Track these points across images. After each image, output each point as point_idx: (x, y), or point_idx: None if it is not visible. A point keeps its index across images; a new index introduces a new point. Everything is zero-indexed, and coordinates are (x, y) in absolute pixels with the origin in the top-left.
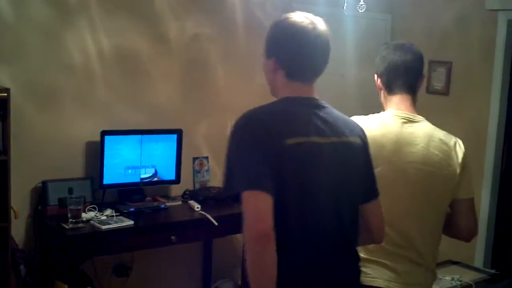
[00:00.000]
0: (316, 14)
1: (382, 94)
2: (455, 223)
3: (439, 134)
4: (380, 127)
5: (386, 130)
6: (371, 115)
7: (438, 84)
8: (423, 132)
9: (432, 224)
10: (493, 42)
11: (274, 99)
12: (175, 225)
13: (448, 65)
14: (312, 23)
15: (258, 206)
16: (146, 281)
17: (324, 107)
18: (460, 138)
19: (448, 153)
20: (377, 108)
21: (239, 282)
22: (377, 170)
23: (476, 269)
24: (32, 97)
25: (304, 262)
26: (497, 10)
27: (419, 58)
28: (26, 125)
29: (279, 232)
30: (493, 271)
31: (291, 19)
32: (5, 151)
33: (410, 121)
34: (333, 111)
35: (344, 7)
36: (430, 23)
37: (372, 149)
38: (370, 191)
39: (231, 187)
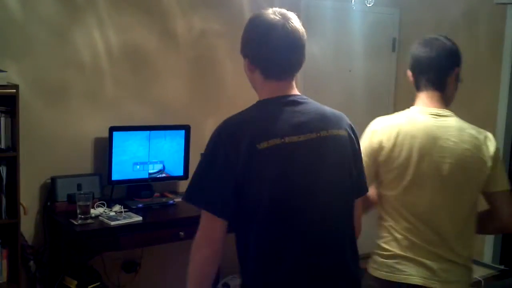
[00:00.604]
0: (323, 8)
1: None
2: (497, 215)
3: (469, 128)
4: (408, 121)
5: (415, 123)
6: (396, 113)
7: None
8: (454, 126)
9: (464, 220)
10: (502, 35)
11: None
12: (184, 221)
13: None
14: (284, 19)
15: (211, 229)
16: (155, 276)
17: (301, 103)
18: None
19: (479, 147)
20: (385, 103)
21: None
22: (411, 161)
23: (485, 265)
24: (41, 93)
25: (293, 268)
26: (506, 4)
27: (448, 54)
28: (35, 121)
29: (261, 239)
30: (502, 267)
31: (261, 16)
32: (14, 147)
33: (438, 115)
34: (312, 106)
35: (353, 1)
36: (438, 17)
37: (405, 141)
38: (359, 187)
39: (192, 199)
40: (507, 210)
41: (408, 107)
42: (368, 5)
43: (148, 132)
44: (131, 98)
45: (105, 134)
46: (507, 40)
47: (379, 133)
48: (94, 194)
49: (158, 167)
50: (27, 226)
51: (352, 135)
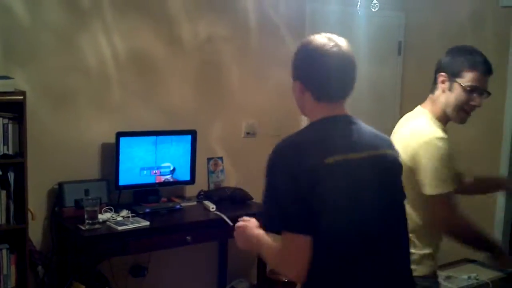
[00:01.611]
0: (329, 13)
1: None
2: None
3: None
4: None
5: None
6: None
7: None
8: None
9: None
10: (508, 38)
11: (288, 99)
12: (191, 225)
13: None
14: (336, 45)
15: (297, 248)
16: (163, 281)
17: (354, 123)
18: (475, 136)
19: None
20: (391, 106)
21: (255, 282)
22: None
23: (492, 267)
24: (48, 99)
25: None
26: (511, 7)
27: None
28: (42, 127)
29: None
30: (510, 270)
31: (314, 42)
32: (22, 153)
33: None
34: (363, 126)
35: (358, 6)
36: (444, 20)
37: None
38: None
39: (271, 226)
40: None
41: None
42: (373, 9)
43: (154, 137)
44: (138, 103)
45: (112, 139)
46: None
47: None
48: (102, 199)
49: (166, 172)
50: (35, 231)
51: (397, 153)
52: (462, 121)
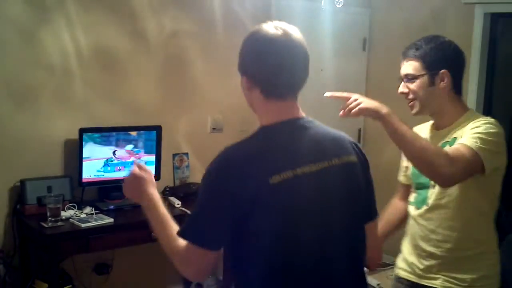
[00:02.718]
0: (294, 8)
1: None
2: None
3: None
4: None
5: None
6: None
7: None
8: None
9: None
10: (470, 35)
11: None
12: None
13: None
14: (286, 33)
15: (203, 261)
16: (127, 278)
17: (308, 128)
18: None
19: None
20: None
21: (221, 277)
22: None
23: None
24: (9, 95)
25: None
26: (474, 4)
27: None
28: (4, 123)
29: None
30: None
31: (261, 31)
32: None
33: None
34: (319, 130)
35: (322, 1)
36: (408, 17)
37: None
38: (370, 210)
39: (185, 236)
40: None
41: None
42: (337, 5)
43: (119, 133)
44: (102, 99)
45: (75, 135)
46: (475, 39)
47: None
48: (65, 196)
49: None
50: None
51: (362, 157)
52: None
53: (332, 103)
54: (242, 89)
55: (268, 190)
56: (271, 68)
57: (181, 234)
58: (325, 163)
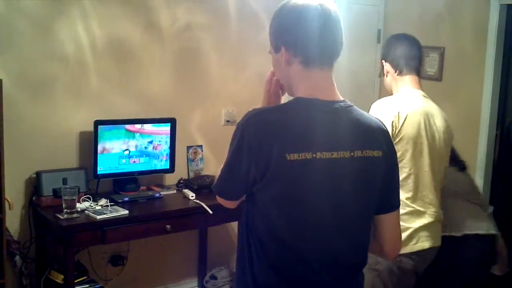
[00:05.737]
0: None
1: (391, 76)
2: None
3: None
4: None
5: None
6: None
7: (431, 70)
8: (435, 107)
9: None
10: (486, 27)
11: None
12: (170, 214)
13: (441, 51)
14: (319, 1)
15: (226, 204)
16: (142, 270)
17: (343, 112)
18: (453, 124)
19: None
20: (370, 93)
21: (234, 270)
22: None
23: None
24: (25, 87)
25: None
26: None
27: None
28: (19, 115)
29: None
30: None
31: (290, 2)
32: None
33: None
34: (353, 116)
35: None
36: (422, 8)
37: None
38: (387, 203)
39: (213, 184)
40: None
41: None
42: None
43: (133, 125)
44: (116, 91)
45: (90, 127)
46: (490, 31)
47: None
48: (80, 188)
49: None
50: (13, 221)
51: (388, 153)
52: None
53: (344, 96)
54: (277, 70)
55: (283, 164)
56: (312, 34)
57: (213, 189)
58: (347, 153)
